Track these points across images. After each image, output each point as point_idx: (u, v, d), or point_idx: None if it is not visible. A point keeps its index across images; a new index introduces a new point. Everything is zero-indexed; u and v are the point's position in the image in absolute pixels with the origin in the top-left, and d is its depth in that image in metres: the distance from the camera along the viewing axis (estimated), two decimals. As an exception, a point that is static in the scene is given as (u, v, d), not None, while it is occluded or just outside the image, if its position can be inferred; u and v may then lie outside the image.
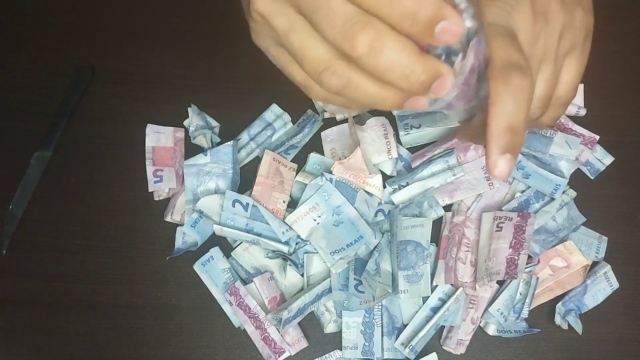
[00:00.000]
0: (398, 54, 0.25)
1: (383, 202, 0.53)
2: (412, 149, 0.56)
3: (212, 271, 0.52)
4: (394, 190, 0.53)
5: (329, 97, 0.30)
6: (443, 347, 0.52)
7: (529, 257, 0.51)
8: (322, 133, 0.56)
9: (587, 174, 0.56)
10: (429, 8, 0.24)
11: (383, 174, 0.54)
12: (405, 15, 0.24)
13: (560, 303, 0.53)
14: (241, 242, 0.53)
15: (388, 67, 0.25)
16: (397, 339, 0.51)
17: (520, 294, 0.52)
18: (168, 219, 0.54)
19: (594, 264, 0.54)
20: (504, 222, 0.51)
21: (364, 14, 0.25)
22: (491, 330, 0.52)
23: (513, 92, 0.29)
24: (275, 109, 0.57)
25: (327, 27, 0.25)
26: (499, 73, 0.29)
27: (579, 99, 0.57)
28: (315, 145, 0.56)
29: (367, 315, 0.51)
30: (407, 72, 0.25)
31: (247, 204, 0.51)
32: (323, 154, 0.55)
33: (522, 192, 0.54)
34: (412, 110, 0.28)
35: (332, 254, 0.50)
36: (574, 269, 0.53)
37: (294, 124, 0.57)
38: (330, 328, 0.52)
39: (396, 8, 0.24)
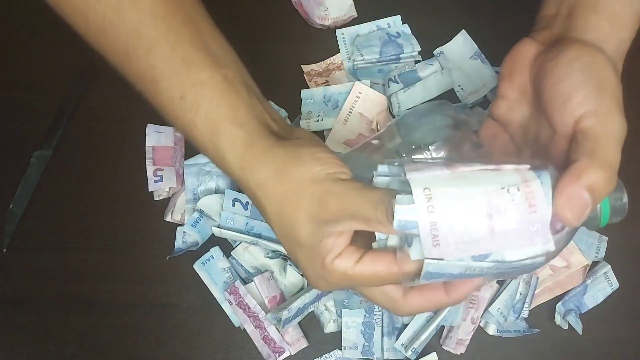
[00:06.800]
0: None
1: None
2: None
3: (212, 270, 0.52)
4: None
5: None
6: (443, 346, 0.52)
7: (529, 256, 0.51)
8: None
9: (587, 174, 0.56)
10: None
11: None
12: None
13: (560, 303, 0.53)
14: (241, 242, 0.53)
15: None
16: (397, 339, 0.51)
17: (520, 293, 0.52)
18: (168, 218, 0.54)
19: (594, 263, 0.54)
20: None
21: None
22: (491, 330, 0.52)
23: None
24: (270, 105, 0.57)
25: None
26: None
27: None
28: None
29: (367, 315, 0.51)
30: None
31: (247, 203, 0.51)
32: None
33: (522, 192, 0.54)
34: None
35: None
36: (573, 268, 0.53)
37: (291, 122, 0.57)
38: (330, 328, 0.52)
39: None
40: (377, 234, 0.34)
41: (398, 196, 0.30)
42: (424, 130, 0.45)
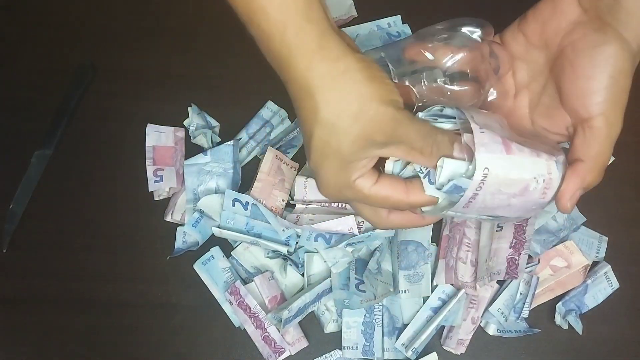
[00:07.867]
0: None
1: None
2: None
3: (212, 270, 0.52)
4: None
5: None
6: (443, 346, 0.52)
7: (530, 256, 0.51)
8: None
9: (588, 174, 0.56)
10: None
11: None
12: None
13: (560, 303, 0.53)
14: (241, 242, 0.53)
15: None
16: (397, 339, 0.51)
17: (521, 293, 0.51)
18: (168, 218, 0.54)
19: (594, 263, 0.54)
20: (504, 222, 0.51)
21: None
22: (491, 330, 0.52)
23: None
24: (271, 105, 0.57)
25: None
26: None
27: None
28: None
29: (367, 315, 0.51)
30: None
31: (247, 203, 0.51)
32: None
33: (523, 192, 0.54)
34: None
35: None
36: (574, 268, 0.53)
37: (291, 121, 0.57)
38: (330, 328, 0.52)
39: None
40: (387, 166, 0.38)
41: (455, 164, 0.35)
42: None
